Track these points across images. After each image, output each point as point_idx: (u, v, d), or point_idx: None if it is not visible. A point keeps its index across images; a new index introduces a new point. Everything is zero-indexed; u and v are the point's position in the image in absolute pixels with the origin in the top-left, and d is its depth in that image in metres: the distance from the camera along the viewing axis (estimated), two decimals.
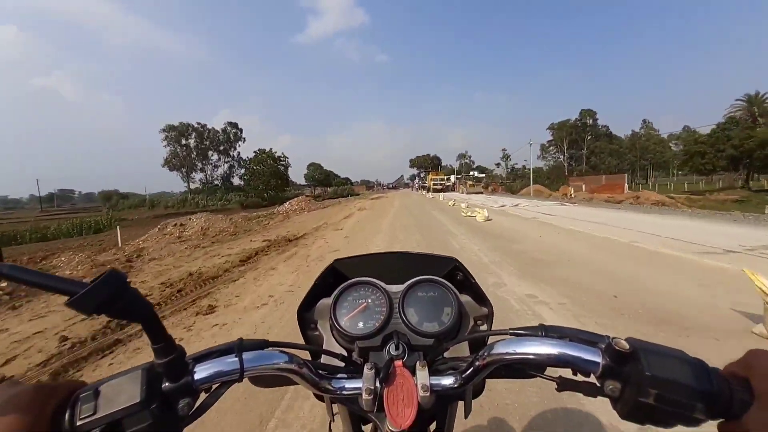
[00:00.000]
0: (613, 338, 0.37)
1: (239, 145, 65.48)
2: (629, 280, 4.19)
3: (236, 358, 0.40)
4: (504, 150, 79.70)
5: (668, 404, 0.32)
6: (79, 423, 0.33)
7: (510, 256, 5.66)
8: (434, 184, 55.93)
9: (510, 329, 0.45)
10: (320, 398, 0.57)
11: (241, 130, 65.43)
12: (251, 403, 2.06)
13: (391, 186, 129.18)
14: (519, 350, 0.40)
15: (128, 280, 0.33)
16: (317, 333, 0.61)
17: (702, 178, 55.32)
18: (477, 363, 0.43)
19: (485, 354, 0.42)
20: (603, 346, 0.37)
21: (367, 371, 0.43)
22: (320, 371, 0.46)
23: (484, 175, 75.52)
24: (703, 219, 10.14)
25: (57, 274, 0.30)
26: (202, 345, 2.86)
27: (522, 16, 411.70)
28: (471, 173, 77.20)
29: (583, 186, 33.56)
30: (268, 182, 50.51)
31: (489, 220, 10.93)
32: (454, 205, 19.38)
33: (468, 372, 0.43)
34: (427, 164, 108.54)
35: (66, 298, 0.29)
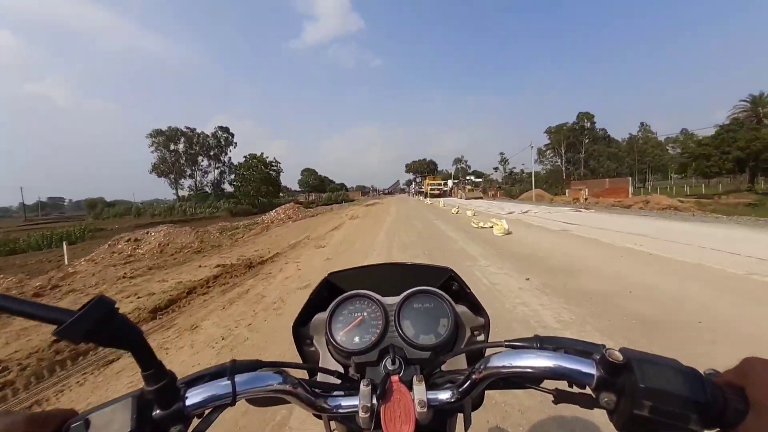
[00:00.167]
0: (607, 349, 0.36)
1: (230, 150, 63.50)
2: None
3: (228, 381, 0.39)
4: (502, 154, 78.31)
5: (663, 415, 0.32)
6: None
7: (590, 311, 3.38)
8: (431, 189, 54.85)
9: (506, 341, 0.44)
10: (318, 417, 0.52)
11: (232, 135, 63.40)
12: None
13: (386, 191, 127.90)
14: (516, 363, 0.40)
15: (116, 306, 0.32)
16: (313, 349, 0.60)
17: (704, 182, 54.44)
18: (474, 376, 0.42)
19: (482, 367, 0.42)
20: (597, 358, 0.36)
21: (364, 388, 0.42)
22: (316, 390, 0.45)
23: (481, 179, 74.14)
24: (745, 227, 8.62)
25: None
26: None
27: (517, 19, 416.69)
28: (467, 178, 75.67)
29: (586, 190, 32.13)
30: (258, 188, 48.28)
31: (509, 233, 8.74)
32: (457, 212, 17.12)
33: (465, 386, 0.43)
34: (423, 169, 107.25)
35: (54, 327, 0.29)
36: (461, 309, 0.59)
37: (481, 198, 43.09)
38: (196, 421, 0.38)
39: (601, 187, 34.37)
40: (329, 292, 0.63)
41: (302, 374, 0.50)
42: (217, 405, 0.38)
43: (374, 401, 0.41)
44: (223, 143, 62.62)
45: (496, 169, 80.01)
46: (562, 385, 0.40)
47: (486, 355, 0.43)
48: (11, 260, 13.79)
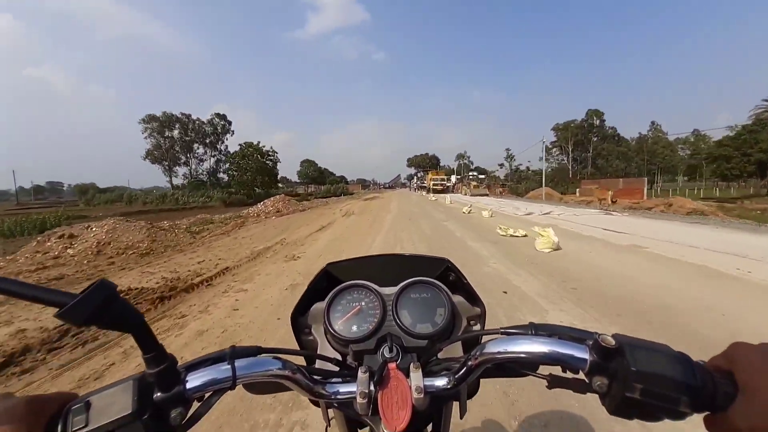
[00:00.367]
0: (600, 335, 0.36)
1: (227, 138, 61.01)
2: None
3: (229, 366, 0.39)
4: (508, 150, 75.69)
5: (654, 398, 0.32)
6: None
7: None
8: (434, 184, 52.80)
9: (501, 328, 0.45)
10: (316, 403, 0.55)
11: (229, 122, 60.96)
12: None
13: (387, 185, 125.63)
14: (510, 349, 0.40)
15: (118, 289, 0.33)
16: (311, 338, 0.60)
17: (716, 185, 52.19)
18: (469, 363, 0.43)
19: (477, 354, 0.42)
20: (590, 343, 0.37)
21: (361, 375, 0.43)
22: (314, 376, 0.46)
23: (484, 176, 71.84)
24: None
25: None
26: None
27: (525, 12, 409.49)
28: (471, 174, 73.31)
29: (611, 191, 30.02)
30: (254, 178, 45.99)
31: (558, 249, 6.16)
32: (470, 212, 14.69)
33: (461, 372, 0.43)
34: (426, 164, 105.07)
35: (55, 309, 0.29)
36: (458, 299, 0.60)
37: (487, 195, 40.95)
38: (196, 404, 0.39)
39: (614, 186, 32.23)
40: (328, 282, 0.63)
41: (301, 361, 0.50)
42: (217, 389, 0.39)
43: (372, 387, 0.41)
44: (219, 131, 60.15)
45: (501, 165, 77.54)
46: (556, 371, 0.40)
47: (482, 342, 0.44)
48: None
